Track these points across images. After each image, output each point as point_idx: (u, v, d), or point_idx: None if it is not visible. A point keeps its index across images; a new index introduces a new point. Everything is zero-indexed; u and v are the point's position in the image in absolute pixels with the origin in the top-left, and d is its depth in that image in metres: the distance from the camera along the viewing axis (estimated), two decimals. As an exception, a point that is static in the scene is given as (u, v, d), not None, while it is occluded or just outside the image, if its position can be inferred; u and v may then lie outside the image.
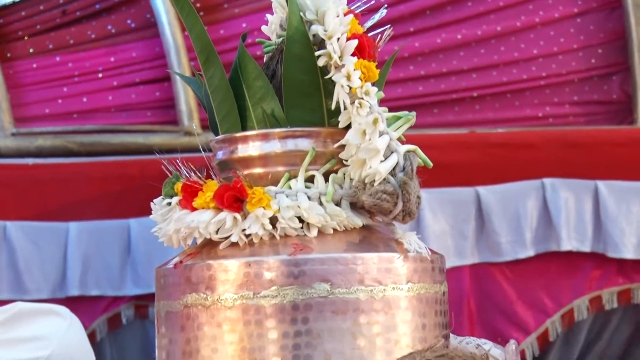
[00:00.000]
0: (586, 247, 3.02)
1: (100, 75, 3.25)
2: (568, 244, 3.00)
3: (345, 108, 1.51)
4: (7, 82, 3.19)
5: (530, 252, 3.01)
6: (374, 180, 1.48)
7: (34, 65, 3.24)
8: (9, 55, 3.23)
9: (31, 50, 3.25)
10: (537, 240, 3.02)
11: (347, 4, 1.55)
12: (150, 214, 1.62)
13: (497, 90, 3.34)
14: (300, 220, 1.50)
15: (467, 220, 2.99)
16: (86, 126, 3.21)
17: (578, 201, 3.02)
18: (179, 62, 3.18)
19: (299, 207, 1.49)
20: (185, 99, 3.19)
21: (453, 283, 2.91)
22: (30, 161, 3.08)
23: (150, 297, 2.97)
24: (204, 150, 1.64)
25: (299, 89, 1.55)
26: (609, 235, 3.01)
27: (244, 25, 3.25)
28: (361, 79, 1.50)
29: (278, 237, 1.49)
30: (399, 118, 1.55)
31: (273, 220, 1.49)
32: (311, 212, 1.49)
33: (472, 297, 3.00)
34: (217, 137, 1.59)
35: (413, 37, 3.27)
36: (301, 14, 1.54)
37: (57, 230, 2.99)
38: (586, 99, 3.39)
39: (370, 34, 1.57)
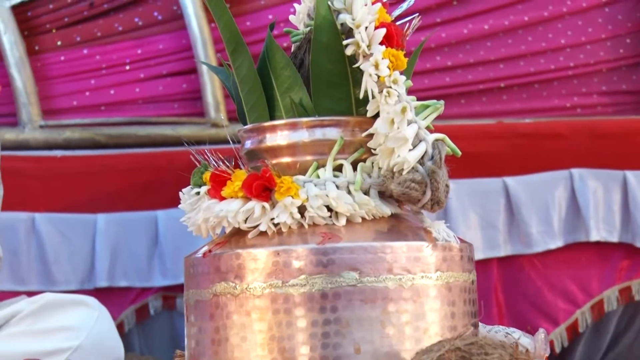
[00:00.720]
0: (614, 238, 3.00)
1: (127, 67, 3.26)
2: (597, 235, 2.99)
3: (373, 97, 1.51)
4: (35, 75, 3.21)
5: (559, 243, 2.99)
6: (403, 169, 1.48)
7: (62, 58, 3.26)
8: (37, 48, 3.25)
9: (59, 43, 3.26)
10: (566, 230, 3.00)
11: (375, -7, 1.55)
12: (178, 205, 1.63)
13: (524, 80, 3.32)
14: (329, 209, 1.50)
15: (497, 211, 2.98)
16: (114, 118, 3.22)
17: (606, 191, 3.01)
18: (205, 53, 3.18)
19: (327, 196, 1.49)
20: (212, 90, 3.20)
21: (481, 274, 2.91)
22: (58, 153, 3.10)
23: (177, 289, 2.98)
24: (232, 141, 1.64)
25: (327, 78, 1.55)
26: (637, 225, 2.99)
27: (270, 16, 3.25)
28: (389, 68, 1.50)
29: (306, 226, 1.49)
30: (427, 107, 1.54)
31: (301, 209, 1.50)
32: (340, 201, 1.49)
33: (500, 288, 2.99)
34: (246, 127, 1.59)
35: (440, 28, 3.27)
36: (329, 2, 1.54)
37: (86, 221, 3.00)
38: (614, 89, 3.37)
39: (398, 23, 1.57)
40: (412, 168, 1.48)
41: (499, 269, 2.99)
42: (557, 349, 2.95)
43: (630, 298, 3.01)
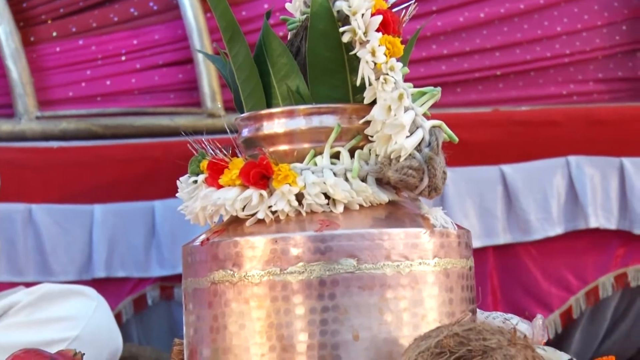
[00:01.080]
0: (612, 225, 3.01)
1: (123, 58, 3.25)
2: (595, 221, 2.99)
3: (370, 84, 1.51)
4: (31, 66, 3.20)
5: (558, 230, 3.00)
6: (400, 156, 1.48)
7: (58, 49, 3.25)
8: (32, 39, 3.24)
9: (54, 34, 3.25)
10: (565, 218, 3.01)
11: (371, -19, 1.55)
12: (175, 195, 1.63)
13: (520, 68, 3.32)
14: (326, 196, 1.50)
15: (494, 199, 2.98)
16: (110, 109, 3.21)
17: (604, 178, 3.01)
18: (201, 43, 3.18)
19: (324, 183, 1.49)
20: (208, 80, 3.19)
21: (476, 261, 2.91)
22: (55, 144, 3.09)
23: (175, 279, 2.98)
24: (229, 131, 1.64)
25: (324, 66, 1.55)
26: (634, 212, 2.99)
27: (265, 6, 3.25)
28: (386, 55, 1.50)
29: (304, 214, 1.49)
30: (424, 94, 1.55)
31: (299, 197, 1.50)
32: (337, 188, 1.49)
33: (496, 275, 2.99)
34: (243, 115, 1.59)
35: (436, 16, 3.26)
36: (325, -10, 1.54)
37: (83, 212, 3.00)
38: (611, 76, 3.37)
39: (394, 10, 1.57)
40: (409, 155, 1.48)
41: (494, 256, 2.99)
42: (551, 335, 2.96)
43: (626, 284, 3.02)
